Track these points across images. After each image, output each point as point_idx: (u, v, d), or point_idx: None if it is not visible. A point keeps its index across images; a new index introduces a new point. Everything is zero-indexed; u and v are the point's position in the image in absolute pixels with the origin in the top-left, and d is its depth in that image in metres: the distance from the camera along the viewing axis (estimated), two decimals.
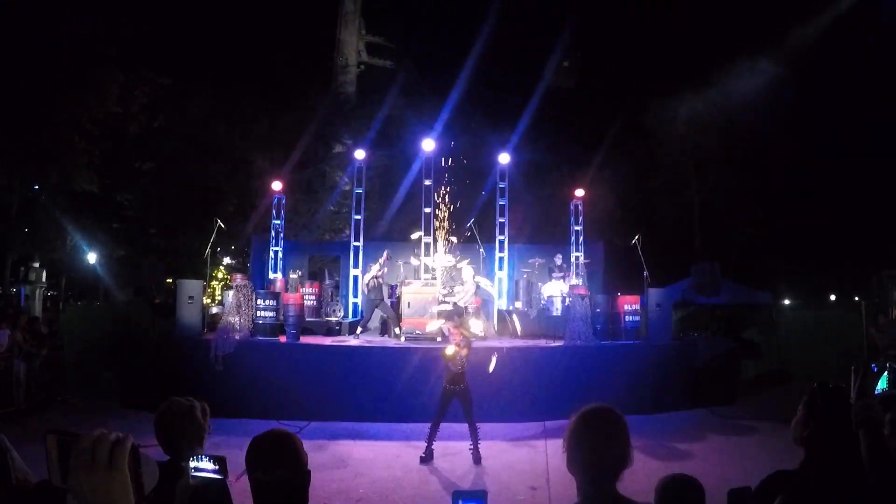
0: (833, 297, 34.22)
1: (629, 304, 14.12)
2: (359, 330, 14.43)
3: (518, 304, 16.74)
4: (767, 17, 24.31)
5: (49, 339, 14.51)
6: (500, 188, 17.69)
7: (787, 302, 29.28)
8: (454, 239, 16.44)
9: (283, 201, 17.66)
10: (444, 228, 16.48)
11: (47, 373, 13.92)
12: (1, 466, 2.54)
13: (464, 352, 9.21)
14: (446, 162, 17.86)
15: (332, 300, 16.81)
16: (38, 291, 24.39)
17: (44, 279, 25.07)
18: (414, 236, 16.83)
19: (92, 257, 26.00)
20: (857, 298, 22.39)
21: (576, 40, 26.05)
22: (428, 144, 17.33)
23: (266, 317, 13.65)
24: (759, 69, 24.42)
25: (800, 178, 26.36)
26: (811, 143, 25.25)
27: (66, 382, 14.26)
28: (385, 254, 15.43)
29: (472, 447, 9.34)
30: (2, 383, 12.17)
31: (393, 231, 23.14)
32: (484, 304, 16.49)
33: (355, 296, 17.12)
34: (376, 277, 14.75)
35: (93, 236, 24.56)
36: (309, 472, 2.80)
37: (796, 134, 25.35)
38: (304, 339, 13.39)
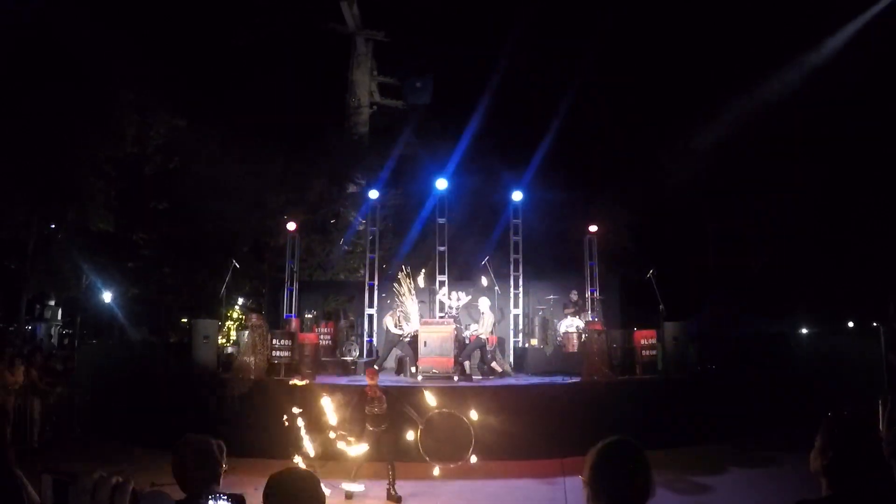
0: (851, 324, 33.85)
1: (646, 339, 14.00)
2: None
3: (534, 342, 16.64)
4: (777, 39, 24.29)
5: (64, 377, 14.52)
6: (514, 225, 17.71)
7: (804, 330, 29.00)
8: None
9: (298, 241, 17.72)
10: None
11: (62, 410, 13.92)
12: (18, 502, 2.54)
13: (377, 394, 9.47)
14: (460, 200, 17.91)
15: (347, 339, 16.79)
16: (53, 329, 24.48)
17: (59, 317, 25.17)
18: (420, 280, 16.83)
19: (107, 296, 26.10)
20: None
21: (427, 63, 26.74)
22: (441, 183, 17.39)
23: (281, 356, 13.60)
24: (769, 94, 24.42)
25: (814, 203, 26.20)
26: (826, 168, 25.13)
27: (80, 420, 14.26)
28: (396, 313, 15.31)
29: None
30: (16, 420, 12.15)
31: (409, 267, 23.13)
32: (500, 340, 16.42)
33: (370, 335, 17.10)
34: (398, 325, 14.69)
35: (108, 275, 24.67)
36: None
37: (810, 159, 25.25)
38: (320, 379, 13.36)
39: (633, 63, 28.12)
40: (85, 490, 1.43)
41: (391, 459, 9.32)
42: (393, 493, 9.20)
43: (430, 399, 10.48)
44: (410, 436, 9.86)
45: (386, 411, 9.41)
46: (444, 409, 10.47)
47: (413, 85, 26.33)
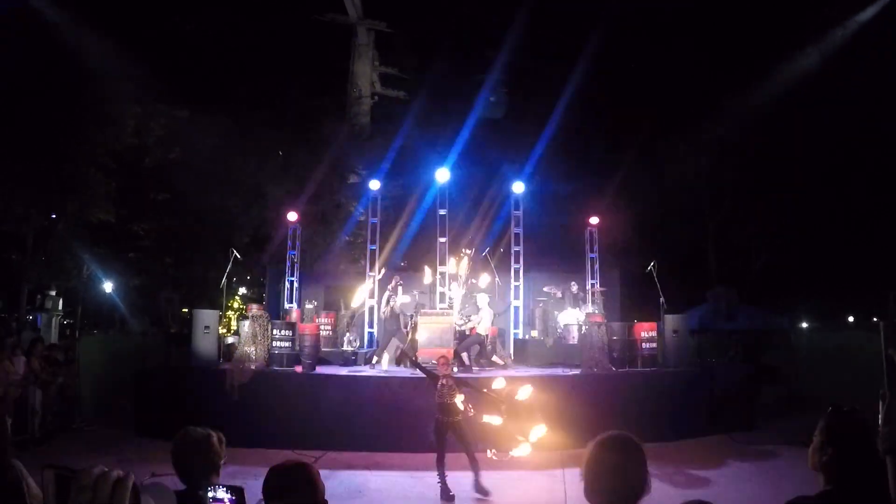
0: (851, 319, 33.88)
1: (646, 331, 13.99)
2: (374, 359, 14.38)
3: (534, 333, 16.64)
4: (779, 38, 24.23)
5: (65, 368, 14.52)
6: (515, 217, 17.69)
7: (805, 325, 29.01)
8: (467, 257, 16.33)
9: (299, 232, 17.72)
10: (459, 257, 16.38)
11: (63, 401, 13.92)
12: (17, 493, 2.54)
13: (449, 382, 9.06)
14: (461, 191, 17.88)
15: (347, 330, 16.79)
16: (54, 320, 24.48)
17: (60, 308, 25.18)
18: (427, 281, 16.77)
19: (108, 286, 26.13)
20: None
21: (501, 78, 26.79)
22: (442, 174, 17.36)
23: (282, 347, 13.62)
24: (771, 90, 24.36)
25: (815, 199, 26.15)
26: (826, 164, 25.08)
27: (81, 411, 14.28)
28: (394, 281, 15.38)
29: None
30: (17, 411, 12.15)
31: (408, 260, 23.15)
32: (500, 332, 16.41)
33: (371, 326, 17.11)
34: (391, 308, 14.70)
35: (109, 266, 24.69)
36: (326, 502, 2.77)
37: (810, 154, 25.19)
38: (320, 369, 13.39)
39: (637, 57, 28.08)
40: (86, 485, 1.44)
41: (441, 450, 9.07)
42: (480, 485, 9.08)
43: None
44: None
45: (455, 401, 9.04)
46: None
47: (487, 99, 26.41)
